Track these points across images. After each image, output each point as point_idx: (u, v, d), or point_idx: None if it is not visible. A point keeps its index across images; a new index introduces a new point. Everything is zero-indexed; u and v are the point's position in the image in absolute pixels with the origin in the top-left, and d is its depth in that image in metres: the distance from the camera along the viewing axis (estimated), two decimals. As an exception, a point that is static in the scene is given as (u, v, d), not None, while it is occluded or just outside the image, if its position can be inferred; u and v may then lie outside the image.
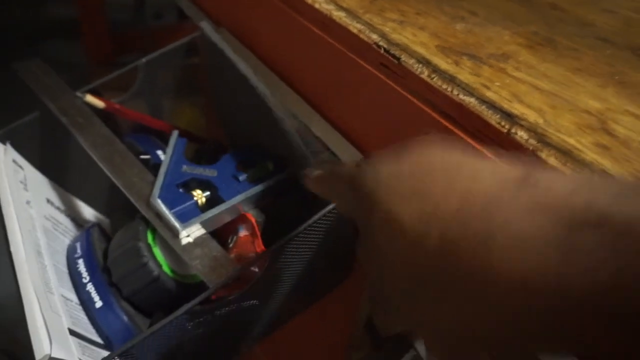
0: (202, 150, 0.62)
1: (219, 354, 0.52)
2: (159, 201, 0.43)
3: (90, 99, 0.54)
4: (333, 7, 0.44)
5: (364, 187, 0.27)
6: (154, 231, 0.46)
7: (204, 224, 0.43)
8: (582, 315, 0.20)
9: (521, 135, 0.31)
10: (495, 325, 0.23)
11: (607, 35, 0.42)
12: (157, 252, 0.45)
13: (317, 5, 0.45)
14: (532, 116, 0.32)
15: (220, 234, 0.45)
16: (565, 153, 0.30)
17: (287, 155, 0.49)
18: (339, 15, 0.44)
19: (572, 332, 0.21)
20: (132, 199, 0.44)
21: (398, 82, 0.40)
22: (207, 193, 0.47)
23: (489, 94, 0.35)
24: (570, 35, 0.42)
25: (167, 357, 0.43)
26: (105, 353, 0.43)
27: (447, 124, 0.36)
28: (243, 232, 0.46)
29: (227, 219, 0.46)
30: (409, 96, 0.39)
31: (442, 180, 0.24)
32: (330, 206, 0.44)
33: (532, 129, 0.31)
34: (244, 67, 0.51)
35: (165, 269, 0.45)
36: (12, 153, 0.51)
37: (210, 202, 0.46)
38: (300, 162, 0.46)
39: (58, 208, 0.54)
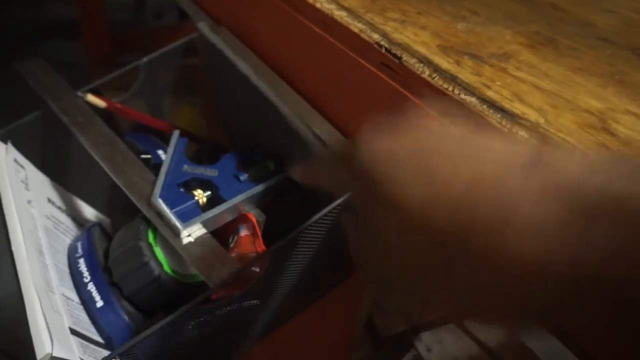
0: (202, 150, 0.62)
1: (220, 354, 0.52)
2: (160, 201, 0.43)
3: (91, 98, 0.54)
4: (334, 6, 0.44)
5: (361, 168, 0.26)
6: (155, 231, 0.46)
7: (204, 224, 0.43)
8: (597, 302, 0.19)
9: (522, 134, 0.31)
10: (503, 304, 0.22)
11: (608, 35, 0.42)
12: (158, 251, 0.45)
13: (318, 5, 0.45)
14: (533, 115, 0.32)
15: (221, 233, 0.45)
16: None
17: (289, 154, 0.49)
18: (340, 15, 0.44)
19: (585, 316, 0.20)
20: (133, 199, 0.44)
21: (399, 82, 0.40)
22: (208, 193, 0.47)
23: (490, 94, 0.35)
24: (571, 35, 0.42)
25: (167, 356, 0.43)
26: (106, 352, 0.43)
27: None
28: (244, 232, 0.47)
29: (228, 218, 0.46)
30: (410, 96, 0.39)
31: (446, 161, 0.23)
32: (331, 206, 0.44)
33: (533, 129, 0.32)
34: (244, 67, 0.51)
35: (166, 268, 0.45)
36: (13, 152, 0.51)
37: (211, 202, 0.46)
38: (302, 160, 0.46)
39: (59, 207, 0.54)
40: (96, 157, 0.47)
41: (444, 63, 0.38)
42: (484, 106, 0.34)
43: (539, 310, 0.22)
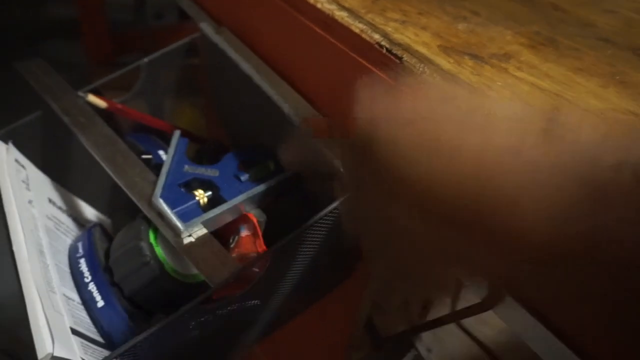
0: (203, 150, 0.62)
1: (220, 354, 0.52)
2: (161, 201, 0.43)
3: (92, 98, 0.54)
4: (335, 6, 0.44)
5: (360, 138, 0.24)
6: (156, 231, 0.46)
7: (205, 224, 0.43)
8: (604, 277, 0.19)
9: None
10: (508, 271, 0.22)
11: (608, 36, 0.42)
12: (159, 251, 0.45)
13: (319, 5, 0.45)
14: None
15: (221, 233, 0.45)
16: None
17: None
18: (341, 15, 0.44)
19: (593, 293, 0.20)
20: (134, 199, 0.45)
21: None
22: (209, 193, 0.47)
23: (491, 94, 0.35)
24: (571, 36, 0.42)
25: (168, 356, 0.43)
26: (107, 353, 0.43)
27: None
28: (245, 232, 0.47)
29: (229, 218, 0.46)
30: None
31: (451, 130, 0.21)
32: (332, 206, 0.44)
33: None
34: (246, 66, 0.51)
35: (167, 268, 0.45)
36: (14, 152, 0.51)
37: (212, 202, 0.46)
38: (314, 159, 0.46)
39: (60, 208, 0.54)
40: (97, 158, 0.47)
41: (445, 63, 0.38)
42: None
43: (545, 284, 0.22)
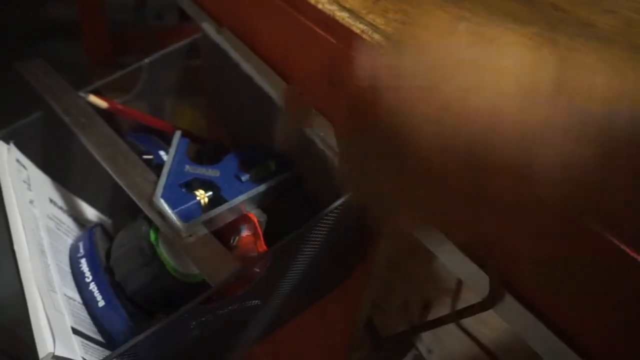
0: (203, 150, 0.62)
1: (220, 354, 0.52)
2: (162, 201, 0.44)
3: (93, 99, 0.54)
4: (336, 7, 0.45)
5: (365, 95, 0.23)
6: (157, 231, 0.47)
7: (206, 224, 0.43)
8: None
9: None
10: (511, 235, 0.21)
11: (609, 36, 0.42)
12: (160, 251, 0.45)
13: (320, 6, 0.45)
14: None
15: (222, 233, 0.45)
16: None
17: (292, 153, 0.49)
18: (342, 16, 0.44)
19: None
20: (135, 199, 0.45)
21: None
22: (210, 193, 0.47)
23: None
24: (571, 36, 0.42)
25: (168, 356, 0.43)
26: (108, 352, 0.43)
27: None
28: (245, 232, 0.47)
29: (230, 218, 0.46)
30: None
31: (458, 92, 0.21)
32: (332, 206, 0.44)
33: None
34: (247, 67, 0.51)
35: (168, 268, 0.45)
36: (15, 153, 0.51)
37: (213, 202, 0.46)
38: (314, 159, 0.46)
39: (61, 208, 0.54)
40: (98, 158, 0.47)
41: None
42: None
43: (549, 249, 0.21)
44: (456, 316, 0.42)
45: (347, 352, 0.66)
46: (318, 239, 0.45)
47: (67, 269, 0.48)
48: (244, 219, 0.47)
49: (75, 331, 0.41)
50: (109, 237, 0.52)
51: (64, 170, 0.57)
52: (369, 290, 0.58)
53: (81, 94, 0.54)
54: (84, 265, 0.47)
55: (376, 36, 0.41)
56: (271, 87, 0.50)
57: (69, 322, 0.41)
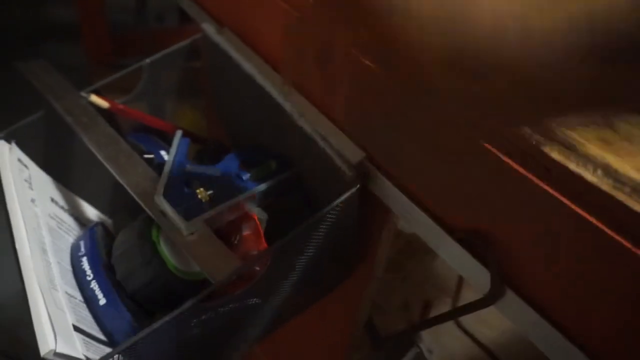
0: (204, 150, 0.62)
1: (220, 353, 0.52)
2: (163, 199, 0.44)
3: (94, 98, 0.54)
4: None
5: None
6: (158, 229, 0.47)
7: (207, 222, 0.44)
8: None
9: (525, 130, 0.32)
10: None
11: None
12: (161, 249, 0.46)
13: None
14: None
15: (223, 232, 0.45)
16: (569, 147, 0.30)
17: (295, 152, 0.49)
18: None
19: None
20: (136, 198, 0.45)
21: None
22: (211, 191, 0.47)
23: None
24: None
25: (169, 355, 0.43)
26: (109, 350, 0.43)
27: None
28: (246, 231, 0.47)
29: (231, 217, 0.46)
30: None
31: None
32: (333, 204, 0.44)
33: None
34: (248, 66, 0.51)
35: (169, 266, 0.45)
36: (17, 152, 0.51)
37: (214, 201, 0.47)
38: (314, 158, 0.46)
39: (62, 207, 0.54)
40: (100, 157, 0.47)
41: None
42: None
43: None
44: (457, 313, 0.43)
45: (347, 352, 0.66)
46: (318, 238, 0.46)
47: (69, 267, 0.48)
48: (245, 217, 0.47)
49: (77, 329, 0.41)
50: (110, 236, 0.53)
51: (65, 169, 0.57)
52: (369, 290, 0.58)
53: (83, 93, 0.54)
54: (85, 264, 0.47)
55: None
56: (272, 86, 0.50)
57: (70, 320, 0.41)
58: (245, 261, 0.42)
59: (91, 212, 0.60)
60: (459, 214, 0.39)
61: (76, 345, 0.39)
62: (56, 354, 0.37)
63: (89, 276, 0.46)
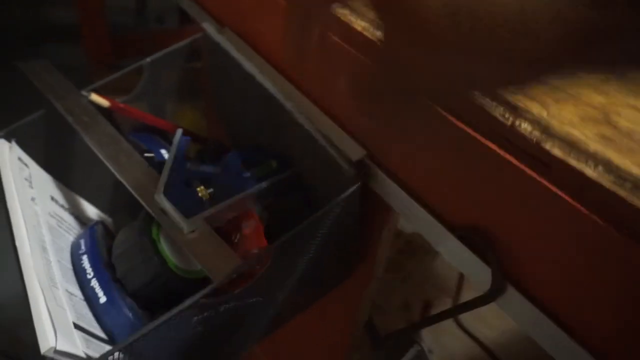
0: (204, 150, 0.62)
1: (220, 353, 0.52)
2: (164, 198, 0.44)
3: (95, 97, 0.54)
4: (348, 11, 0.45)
5: None
6: (159, 227, 0.47)
7: (208, 220, 0.43)
8: None
9: (525, 127, 0.32)
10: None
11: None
12: (162, 248, 0.46)
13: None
14: (535, 109, 0.33)
15: (224, 230, 0.45)
16: (569, 144, 0.30)
17: (295, 152, 0.49)
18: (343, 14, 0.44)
19: None
20: (137, 196, 0.45)
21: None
22: (211, 190, 0.47)
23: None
24: None
25: (169, 353, 0.43)
26: (110, 348, 0.43)
27: (450, 117, 0.36)
28: (246, 229, 0.47)
29: (231, 215, 0.46)
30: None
31: None
32: (333, 203, 0.44)
33: (535, 121, 0.32)
34: (249, 66, 0.51)
35: (170, 264, 0.45)
36: (17, 151, 0.51)
37: (214, 199, 0.47)
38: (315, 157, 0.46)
39: (62, 206, 0.54)
40: (100, 156, 0.47)
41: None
42: (487, 99, 0.34)
43: None
44: (457, 310, 0.43)
45: (347, 352, 0.66)
46: (319, 236, 0.46)
47: (69, 265, 0.48)
48: (246, 216, 0.47)
49: (77, 326, 0.41)
50: (111, 235, 0.53)
51: (65, 168, 0.57)
52: (369, 290, 0.58)
53: (83, 92, 0.54)
54: (86, 262, 0.47)
55: (378, 33, 0.42)
56: (273, 86, 0.50)
57: (70, 318, 0.41)
58: (245, 259, 0.42)
59: (91, 211, 0.60)
60: (460, 211, 0.39)
61: (76, 342, 0.39)
62: (56, 352, 0.37)
63: (89, 274, 0.46)
